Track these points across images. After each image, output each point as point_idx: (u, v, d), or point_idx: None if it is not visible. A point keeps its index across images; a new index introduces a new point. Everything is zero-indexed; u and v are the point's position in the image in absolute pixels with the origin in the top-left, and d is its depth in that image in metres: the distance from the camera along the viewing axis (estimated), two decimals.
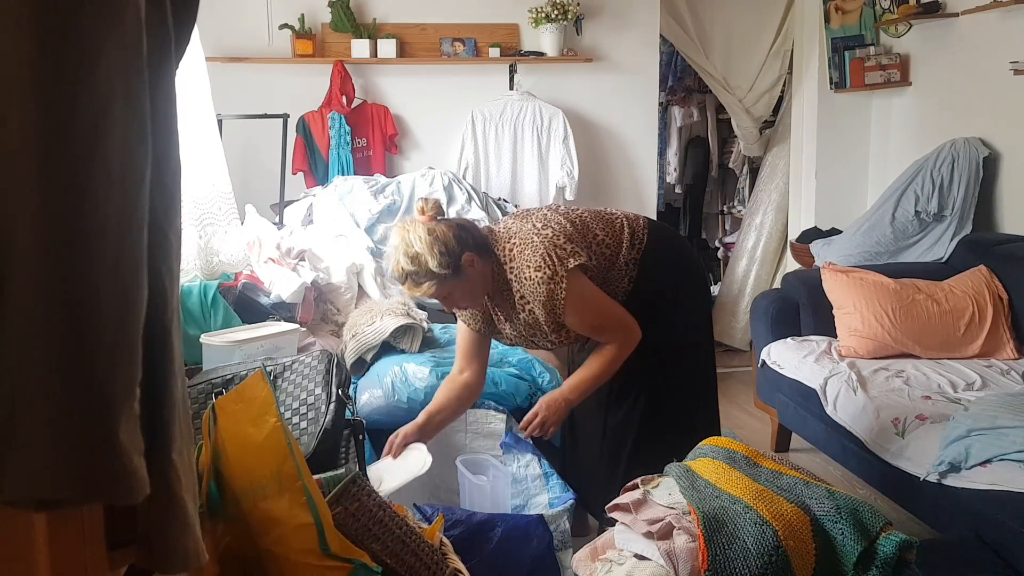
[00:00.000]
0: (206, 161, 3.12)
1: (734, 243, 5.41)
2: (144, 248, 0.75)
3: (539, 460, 2.47)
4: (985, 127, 3.67)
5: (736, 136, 5.26)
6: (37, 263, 0.68)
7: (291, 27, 4.16)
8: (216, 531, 1.38)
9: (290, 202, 3.94)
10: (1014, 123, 3.52)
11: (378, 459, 2.29)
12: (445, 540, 1.68)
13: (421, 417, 2.30)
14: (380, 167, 4.32)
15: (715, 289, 5.52)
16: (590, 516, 2.51)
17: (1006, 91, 3.52)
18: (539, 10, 4.30)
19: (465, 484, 2.28)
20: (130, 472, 0.72)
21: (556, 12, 4.27)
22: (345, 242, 3.52)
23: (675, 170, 5.71)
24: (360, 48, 4.21)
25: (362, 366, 2.90)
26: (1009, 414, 2.31)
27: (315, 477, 1.43)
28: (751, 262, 5.12)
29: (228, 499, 1.37)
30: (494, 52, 4.34)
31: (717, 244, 5.89)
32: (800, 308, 3.39)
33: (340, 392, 2.04)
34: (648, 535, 1.75)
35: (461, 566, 1.60)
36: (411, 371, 2.67)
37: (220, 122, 3.48)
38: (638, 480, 1.92)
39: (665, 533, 1.74)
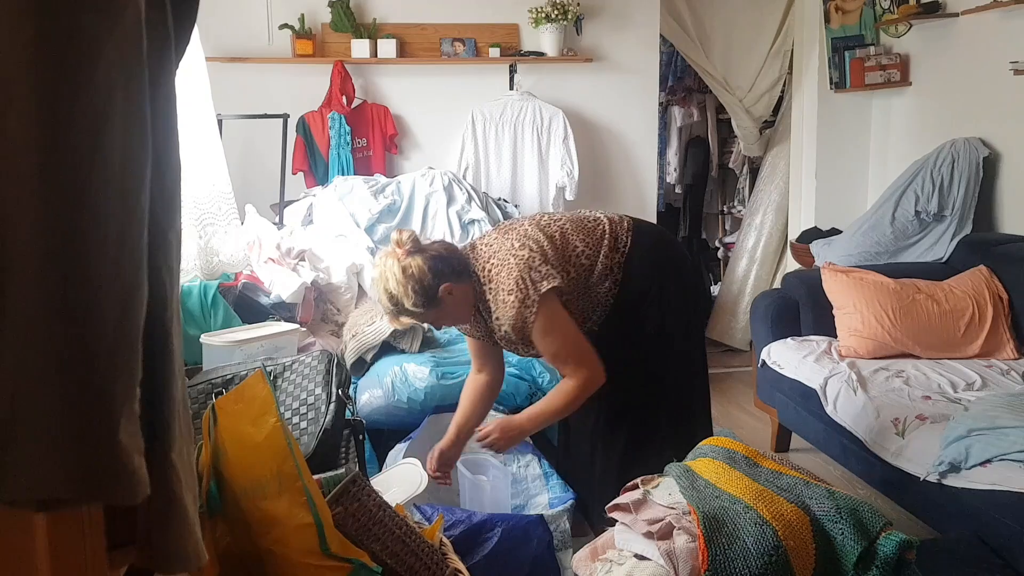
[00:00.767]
0: (206, 161, 3.13)
1: (734, 243, 5.40)
2: (144, 248, 0.75)
3: (539, 460, 2.47)
4: (985, 127, 3.67)
5: (736, 136, 5.26)
6: (37, 263, 0.68)
7: (291, 27, 4.16)
8: (216, 531, 1.38)
9: (290, 202, 3.94)
10: (1014, 123, 3.51)
11: (378, 459, 2.29)
12: (445, 540, 1.69)
13: (452, 431, 2.31)
14: (380, 167, 4.31)
15: (715, 289, 5.52)
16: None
17: (1006, 91, 3.52)
18: (539, 10, 4.30)
19: (465, 484, 2.28)
20: (130, 472, 0.72)
21: (556, 12, 4.27)
22: (345, 242, 3.52)
23: (675, 170, 5.71)
24: (360, 48, 4.21)
25: (362, 366, 2.90)
26: (1009, 414, 2.31)
27: (315, 477, 1.44)
28: (751, 262, 5.12)
29: (228, 499, 1.37)
30: (494, 52, 4.34)
31: (717, 244, 5.88)
32: (800, 308, 3.39)
33: (340, 392, 2.04)
34: (648, 535, 1.75)
35: (461, 566, 1.60)
36: (411, 371, 2.67)
37: (220, 122, 3.48)
38: (638, 480, 1.92)
39: (665, 533, 1.74)
